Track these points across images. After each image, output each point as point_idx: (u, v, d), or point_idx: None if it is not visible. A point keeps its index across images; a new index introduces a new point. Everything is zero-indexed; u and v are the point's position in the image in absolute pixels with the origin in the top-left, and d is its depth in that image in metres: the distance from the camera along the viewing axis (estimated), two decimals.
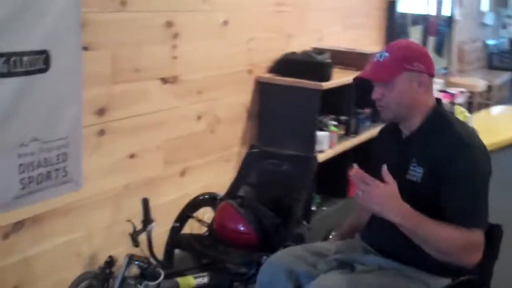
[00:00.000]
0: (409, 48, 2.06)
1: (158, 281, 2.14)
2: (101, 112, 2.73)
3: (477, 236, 1.86)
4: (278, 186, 2.72)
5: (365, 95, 2.30)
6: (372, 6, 5.42)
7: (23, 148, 2.37)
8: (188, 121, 3.28)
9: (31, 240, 2.51)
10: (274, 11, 3.88)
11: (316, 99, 3.64)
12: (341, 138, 4.08)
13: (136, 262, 2.06)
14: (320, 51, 4.17)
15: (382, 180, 1.90)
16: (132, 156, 2.94)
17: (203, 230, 2.78)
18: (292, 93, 3.69)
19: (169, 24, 3.02)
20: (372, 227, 2.15)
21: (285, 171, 2.73)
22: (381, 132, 2.30)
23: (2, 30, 2.19)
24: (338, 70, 4.16)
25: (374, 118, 4.51)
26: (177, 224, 2.75)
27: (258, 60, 3.75)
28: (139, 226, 2.53)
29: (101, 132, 2.75)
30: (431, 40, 6.76)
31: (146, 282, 2.14)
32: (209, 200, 2.83)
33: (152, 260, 2.40)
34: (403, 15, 5.94)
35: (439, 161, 1.92)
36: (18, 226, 2.45)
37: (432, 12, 6.73)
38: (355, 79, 2.17)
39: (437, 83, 6.01)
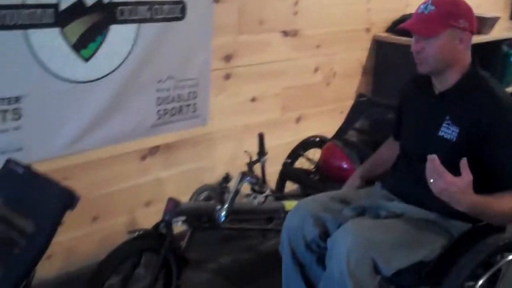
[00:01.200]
0: (456, 3, 2.00)
1: (265, 194, 2.47)
2: (227, 58, 3.09)
3: None
4: (381, 131, 2.93)
5: None
6: None
7: (161, 84, 2.79)
8: (306, 73, 3.58)
9: (163, 164, 2.95)
10: None
11: None
12: None
13: (248, 178, 2.39)
14: None
15: (411, 132, 2.01)
16: (253, 99, 3.30)
17: (311, 168, 3.08)
18: (407, 52, 3.83)
19: None
20: (395, 176, 2.21)
21: (388, 119, 2.94)
22: (409, 83, 2.29)
23: None
24: None
25: None
26: (289, 160, 3.08)
27: (376, 19, 3.94)
28: (255, 158, 2.88)
29: (227, 76, 3.12)
30: None
31: (255, 194, 2.49)
32: (319, 141, 3.13)
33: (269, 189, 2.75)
34: None
35: (479, 122, 1.92)
36: (154, 151, 2.89)
37: None
38: (398, 29, 2.09)
39: None
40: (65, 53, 2.40)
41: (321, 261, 2.06)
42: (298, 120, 3.61)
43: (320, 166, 2.91)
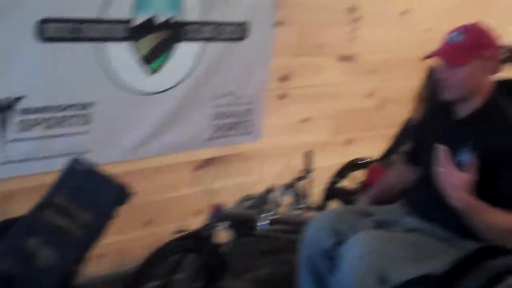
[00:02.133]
0: (484, 34, 2.06)
1: (305, 206, 2.60)
2: (284, 78, 3.22)
3: None
4: None
5: None
6: None
7: (219, 100, 2.94)
8: (359, 97, 3.68)
9: (215, 176, 3.09)
10: (454, 3, 4.10)
11: None
12: None
13: (290, 190, 2.51)
14: None
15: (432, 155, 2.04)
16: (305, 120, 3.42)
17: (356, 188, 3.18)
18: None
19: (352, 9, 3.42)
20: (415, 194, 2.28)
21: None
22: (432, 107, 2.37)
23: (212, 3, 2.75)
24: None
25: None
26: (335, 179, 3.18)
27: (433, 49, 3.99)
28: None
29: (282, 96, 3.26)
30: None
31: (297, 206, 2.64)
32: (365, 163, 3.21)
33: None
34: None
35: (498, 148, 1.98)
36: (207, 162, 3.04)
37: None
38: (426, 57, 2.13)
39: None
40: (135, 66, 2.58)
41: (336, 270, 2.12)
42: (348, 142, 3.71)
43: (364, 186, 3.00)
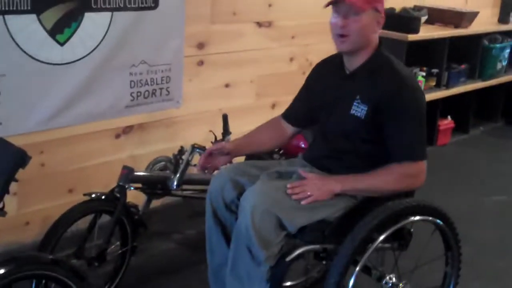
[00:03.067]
0: None
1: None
2: (200, 45, 3.33)
3: (422, 165, 2.14)
4: None
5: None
6: None
7: (134, 68, 3.03)
8: (281, 62, 3.80)
9: (137, 143, 3.20)
10: None
11: (402, 50, 3.98)
12: (430, 89, 4.38)
13: (197, 150, 2.61)
14: (419, 8, 4.48)
15: (325, 111, 2.23)
16: (227, 85, 3.53)
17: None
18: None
19: None
20: (313, 149, 2.44)
21: None
22: (320, 65, 2.45)
23: None
24: (436, 26, 4.47)
25: (472, 74, 4.74)
26: None
27: None
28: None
29: (200, 63, 3.36)
30: None
31: None
32: None
33: None
34: None
35: (383, 100, 2.12)
36: (127, 130, 3.14)
37: None
38: (329, 3, 2.16)
39: None
40: (41, 38, 2.66)
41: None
42: (273, 106, 3.83)
43: (282, 146, 3.13)
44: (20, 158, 1.98)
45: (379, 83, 2.15)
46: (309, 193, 2.10)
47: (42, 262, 1.91)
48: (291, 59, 3.86)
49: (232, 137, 3.12)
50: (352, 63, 2.23)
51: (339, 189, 2.13)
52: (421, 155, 2.15)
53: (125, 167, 2.58)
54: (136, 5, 2.94)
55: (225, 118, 3.07)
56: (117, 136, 3.12)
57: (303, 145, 3.00)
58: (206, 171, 2.46)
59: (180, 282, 2.81)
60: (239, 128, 3.11)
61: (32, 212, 2.88)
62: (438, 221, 2.22)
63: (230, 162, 2.51)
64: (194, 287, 2.74)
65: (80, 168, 3.00)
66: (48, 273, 1.89)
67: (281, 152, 3.21)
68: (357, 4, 2.10)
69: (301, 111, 2.48)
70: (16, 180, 1.99)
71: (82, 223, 2.52)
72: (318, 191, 2.11)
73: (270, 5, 3.61)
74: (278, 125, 2.57)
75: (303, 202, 2.09)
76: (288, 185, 2.13)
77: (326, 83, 2.36)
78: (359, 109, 2.16)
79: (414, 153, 2.13)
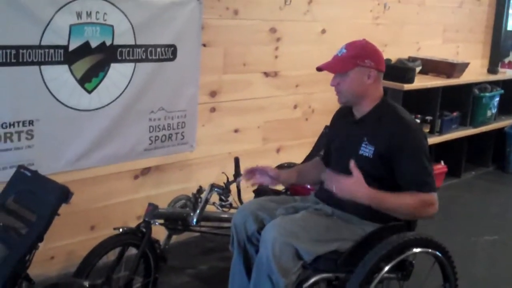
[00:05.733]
0: (363, 47, 2.46)
1: (229, 202, 2.95)
2: (213, 94, 3.59)
3: (433, 196, 2.34)
4: None
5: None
6: (477, 22, 5.85)
7: (152, 114, 3.29)
8: (286, 109, 4.07)
9: (154, 183, 3.43)
10: (370, 24, 4.55)
11: (398, 98, 4.24)
12: None
13: (216, 189, 2.83)
14: (413, 60, 4.79)
15: (338, 153, 2.46)
16: (236, 130, 3.79)
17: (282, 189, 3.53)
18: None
19: (273, 30, 3.82)
20: (324, 188, 2.56)
21: None
22: (336, 114, 2.74)
23: (143, 29, 3.12)
24: (429, 76, 4.78)
25: (463, 121, 5.02)
26: None
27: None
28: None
29: (212, 109, 3.62)
30: None
31: (221, 202, 2.98)
32: (289, 166, 3.57)
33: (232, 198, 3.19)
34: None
35: (389, 141, 2.35)
36: (145, 171, 3.37)
37: None
38: (317, 68, 2.51)
39: None
40: (72, 86, 2.91)
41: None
42: (278, 150, 4.08)
43: (289, 187, 3.36)
44: (64, 194, 2.20)
45: (384, 126, 2.40)
46: (342, 189, 2.28)
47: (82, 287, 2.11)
48: (295, 106, 4.13)
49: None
50: (359, 111, 2.51)
51: (367, 203, 2.29)
52: (434, 187, 2.37)
53: (150, 204, 2.79)
54: (157, 57, 3.21)
55: (236, 161, 3.30)
56: (136, 177, 3.35)
57: (308, 186, 3.23)
58: (248, 180, 2.68)
59: None
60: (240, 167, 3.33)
61: (57, 247, 3.08)
62: (438, 253, 2.44)
63: (273, 184, 2.73)
64: None
65: (102, 206, 3.22)
66: None
67: (288, 192, 3.44)
68: (336, 69, 2.44)
69: (330, 154, 2.74)
70: (59, 214, 2.21)
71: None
72: (348, 193, 2.28)
73: (276, 57, 3.90)
74: (319, 164, 2.81)
75: (334, 190, 2.29)
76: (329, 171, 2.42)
77: (339, 128, 2.65)
78: (367, 150, 2.41)
79: (427, 185, 2.34)
